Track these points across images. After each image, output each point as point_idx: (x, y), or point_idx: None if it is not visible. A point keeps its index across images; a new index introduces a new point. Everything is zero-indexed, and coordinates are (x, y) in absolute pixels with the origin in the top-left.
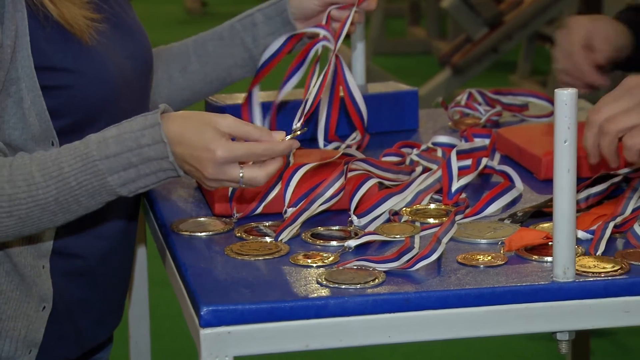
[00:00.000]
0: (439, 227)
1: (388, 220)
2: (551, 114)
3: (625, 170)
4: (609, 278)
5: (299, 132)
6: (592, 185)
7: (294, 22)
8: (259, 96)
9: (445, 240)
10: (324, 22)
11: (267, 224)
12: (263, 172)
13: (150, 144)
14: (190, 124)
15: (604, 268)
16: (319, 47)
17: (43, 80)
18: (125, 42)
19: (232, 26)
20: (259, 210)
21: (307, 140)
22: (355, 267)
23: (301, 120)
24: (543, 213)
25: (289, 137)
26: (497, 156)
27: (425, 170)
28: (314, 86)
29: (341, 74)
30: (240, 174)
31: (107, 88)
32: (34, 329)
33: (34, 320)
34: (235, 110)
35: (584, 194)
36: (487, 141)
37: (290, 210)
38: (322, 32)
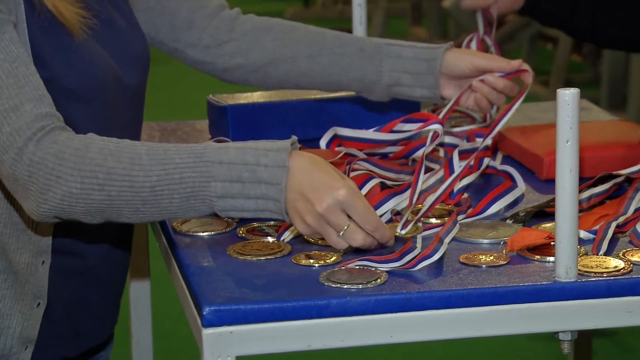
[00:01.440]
0: (441, 227)
1: (390, 220)
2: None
3: (628, 170)
4: (611, 278)
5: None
6: (595, 185)
7: (438, 75)
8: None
9: (447, 240)
10: (443, 114)
11: (269, 223)
12: (364, 237)
13: (269, 165)
14: (321, 162)
15: (606, 268)
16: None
17: None
18: (115, 39)
19: (378, 45)
20: None
21: (309, 140)
22: (357, 267)
23: (407, 229)
24: (545, 213)
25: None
26: (499, 156)
27: (428, 170)
28: (417, 187)
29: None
30: (347, 226)
31: (95, 82)
32: (29, 326)
33: (29, 317)
34: (237, 111)
35: (586, 194)
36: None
37: None
38: (437, 127)
